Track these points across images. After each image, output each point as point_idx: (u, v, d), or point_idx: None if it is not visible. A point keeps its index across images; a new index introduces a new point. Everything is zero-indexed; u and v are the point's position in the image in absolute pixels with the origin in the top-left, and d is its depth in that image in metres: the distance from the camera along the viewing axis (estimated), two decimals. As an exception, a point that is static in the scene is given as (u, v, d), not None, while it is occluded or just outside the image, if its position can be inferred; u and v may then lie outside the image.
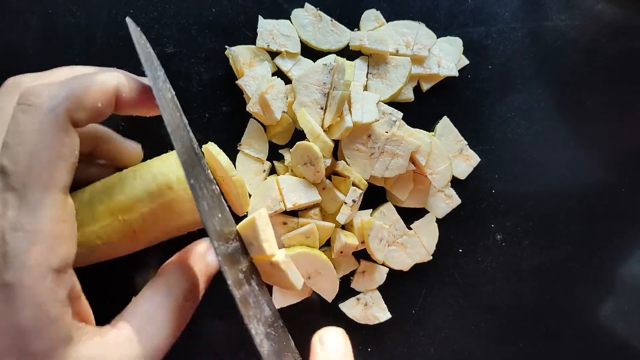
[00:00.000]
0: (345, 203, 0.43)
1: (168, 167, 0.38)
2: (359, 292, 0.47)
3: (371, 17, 0.46)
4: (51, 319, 0.25)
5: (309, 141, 0.41)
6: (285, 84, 0.43)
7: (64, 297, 0.27)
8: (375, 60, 0.45)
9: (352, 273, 0.47)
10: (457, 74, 0.46)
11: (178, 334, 0.31)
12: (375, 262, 0.46)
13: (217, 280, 0.46)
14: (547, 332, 0.49)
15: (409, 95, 0.46)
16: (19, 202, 0.25)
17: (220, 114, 0.45)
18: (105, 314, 0.46)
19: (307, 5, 0.45)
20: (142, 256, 0.43)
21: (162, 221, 0.38)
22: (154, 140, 0.43)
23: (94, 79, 0.29)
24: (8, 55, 0.44)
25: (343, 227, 0.45)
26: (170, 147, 0.43)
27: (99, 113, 0.29)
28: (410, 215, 0.46)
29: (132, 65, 0.44)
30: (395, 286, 0.47)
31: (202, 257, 0.36)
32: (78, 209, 0.38)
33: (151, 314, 0.30)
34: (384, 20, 0.46)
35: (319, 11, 0.45)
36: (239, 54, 0.44)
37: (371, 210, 0.46)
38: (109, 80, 0.29)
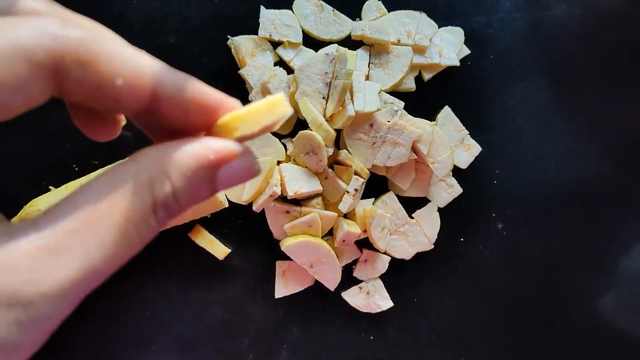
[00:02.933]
0: (348, 192, 0.43)
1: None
2: (361, 281, 0.47)
3: (373, 7, 0.46)
4: None
5: (311, 130, 0.42)
6: (288, 73, 0.44)
7: None
8: (377, 50, 0.45)
9: (355, 262, 0.47)
10: (458, 64, 0.46)
11: (121, 263, 0.18)
12: (377, 250, 0.46)
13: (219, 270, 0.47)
14: (548, 320, 0.49)
15: (410, 85, 0.46)
16: None
17: (223, 104, 0.45)
18: (106, 307, 0.46)
19: (308, -5, 0.45)
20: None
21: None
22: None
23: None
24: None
25: (345, 216, 0.46)
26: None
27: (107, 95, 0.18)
28: (412, 205, 0.47)
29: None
30: (397, 275, 0.47)
31: (208, 170, 0.19)
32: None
33: (97, 217, 0.17)
34: (385, 10, 0.46)
35: (321, 1, 0.45)
36: (241, 44, 0.44)
37: (373, 199, 0.46)
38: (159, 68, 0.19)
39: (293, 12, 0.45)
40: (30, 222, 0.17)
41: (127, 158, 0.18)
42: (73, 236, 0.16)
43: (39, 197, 0.41)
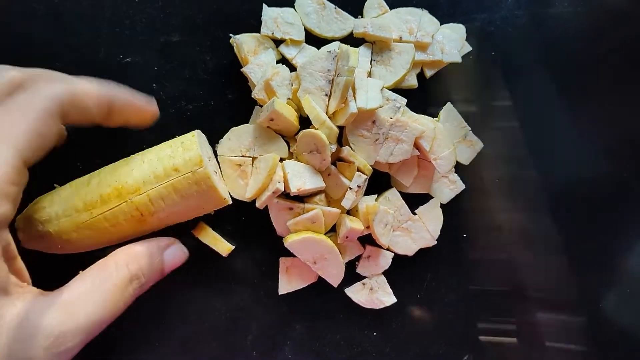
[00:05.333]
0: (350, 188, 0.43)
1: (175, 151, 0.39)
2: (364, 277, 0.47)
3: (375, 5, 0.46)
4: None
5: (315, 128, 0.42)
6: (290, 71, 0.44)
7: None
8: (379, 47, 0.45)
9: (358, 258, 0.47)
10: (460, 61, 0.46)
11: (115, 316, 0.34)
12: (380, 247, 0.46)
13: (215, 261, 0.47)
14: (550, 318, 0.50)
15: (412, 82, 0.46)
16: None
17: (226, 101, 0.46)
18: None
19: (310, -8, 0.45)
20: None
21: (168, 203, 0.38)
22: (161, 127, 0.43)
23: (91, 84, 0.35)
24: (14, 45, 0.44)
25: (348, 213, 0.46)
26: (176, 134, 0.43)
27: (88, 115, 0.35)
28: (414, 201, 0.47)
29: (137, 54, 0.45)
30: (401, 271, 0.48)
31: (157, 253, 0.39)
32: (87, 193, 0.39)
33: (88, 293, 0.32)
34: (387, 8, 0.46)
35: (323, -1, 0.45)
36: (243, 42, 0.44)
37: (376, 195, 0.46)
38: (106, 90, 0.36)
39: (295, 10, 0.45)
40: (54, 292, 0.32)
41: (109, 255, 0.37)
42: (82, 297, 0.32)
43: (44, 195, 0.41)
